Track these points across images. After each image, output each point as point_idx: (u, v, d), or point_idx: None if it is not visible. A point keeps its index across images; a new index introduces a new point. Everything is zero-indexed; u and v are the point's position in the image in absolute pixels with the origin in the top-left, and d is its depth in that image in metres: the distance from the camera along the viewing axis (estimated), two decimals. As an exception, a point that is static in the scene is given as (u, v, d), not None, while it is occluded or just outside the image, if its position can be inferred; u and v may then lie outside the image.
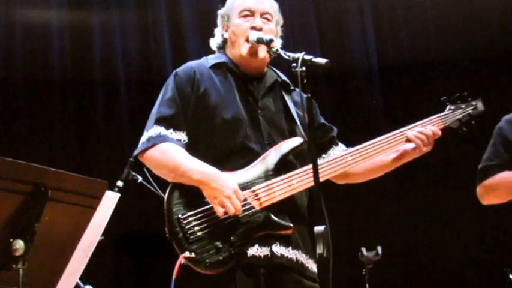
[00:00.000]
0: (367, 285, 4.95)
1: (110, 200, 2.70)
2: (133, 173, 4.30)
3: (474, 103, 3.26)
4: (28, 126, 5.86)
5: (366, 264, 4.98)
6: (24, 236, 2.32)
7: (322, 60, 2.65)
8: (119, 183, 4.28)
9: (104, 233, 2.79)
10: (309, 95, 2.60)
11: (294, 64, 2.65)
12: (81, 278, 3.32)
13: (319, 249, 2.42)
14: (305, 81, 2.61)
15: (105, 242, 3.12)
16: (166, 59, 6.18)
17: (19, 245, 2.31)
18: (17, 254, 2.31)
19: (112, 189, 4.09)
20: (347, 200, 5.91)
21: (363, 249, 5.00)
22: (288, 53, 2.79)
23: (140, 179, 4.28)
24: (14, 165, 2.30)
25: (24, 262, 2.32)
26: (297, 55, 2.67)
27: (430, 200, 5.99)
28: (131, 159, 4.28)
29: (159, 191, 4.00)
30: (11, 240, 2.31)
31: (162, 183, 3.13)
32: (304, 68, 2.61)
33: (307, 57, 2.64)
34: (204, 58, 3.19)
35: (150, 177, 3.85)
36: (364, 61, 6.39)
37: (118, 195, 2.82)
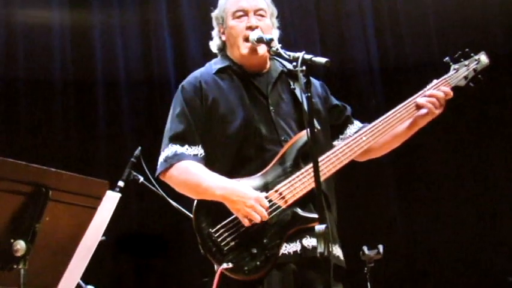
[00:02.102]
0: (368, 284, 4.94)
1: (110, 200, 2.70)
2: (135, 173, 4.30)
3: (477, 57, 3.21)
4: (29, 127, 5.86)
5: (367, 262, 4.97)
6: (25, 237, 2.32)
7: (322, 60, 2.64)
8: (120, 184, 4.28)
9: (105, 233, 2.80)
10: (309, 94, 2.60)
11: (294, 63, 2.65)
12: (82, 278, 3.33)
13: (320, 248, 2.42)
14: (305, 80, 2.61)
15: (106, 242, 3.13)
16: (167, 59, 6.18)
17: (20, 245, 2.32)
18: (18, 254, 2.31)
19: (113, 190, 4.10)
20: (348, 199, 5.90)
21: (365, 248, 4.99)
22: (288, 52, 2.79)
23: (141, 179, 4.28)
24: (14, 166, 2.30)
25: (26, 262, 2.32)
26: (297, 54, 2.67)
27: (431, 198, 5.98)
28: (132, 159, 4.29)
29: (160, 191, 4.01)
30: (12, 240, 2.31)
31: (164, 183, 3.13)
32: (304, 67, 2.62)
33: (307, 56, 2.64)
34: (208, 64, 3.18)
35: (151, 178, 3.86)
36: (365, 61, 6.38)
37: (119, 195, 2.82)
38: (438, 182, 5.94)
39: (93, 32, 6.17)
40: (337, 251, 2.98)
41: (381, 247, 4.96)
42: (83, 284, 3.79)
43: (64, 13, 6.14)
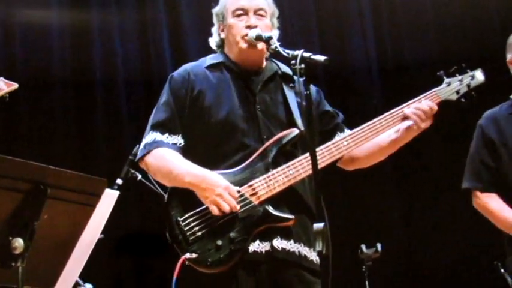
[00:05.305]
0: (366, 283, 4.94)
1: (109, 198, 2.70)
2: (133, 171, 4.32)
3: (472, 73, 3.18)
4: (28, 126, 5.86)
5: (365, 261, 4.96)
6: (23, 235, 2.32)
7: (321, 58, 2.66)
8: (119, 181, 4.29)
9: (104, 231, 2.79)
10: (307, 92, 2.61)
11: (293, 61, 2.65)
12: (80, 276, 3.33)
13: (319, 246, 2.42)
14: (304, 78, 2.62)
15: (104, 240, 3.13)
16: (165, 59, 6.17)
17: (18, 243, 2.31)
18: (17, 252, 2.31)
19: (111, 187, 4.10)
20: (346, 197, 5.91)
21: (363, 246, 4.98)
22: (287, 50, 2.79)
23: (140, 176, 4.29)
24: (13, 163, 2.30)
25: (24, 260, 2.32)
26: (296, 52, 2.68)
27: (430, 197, 5.98)
28: (131, 157, 4.29)
29: (159, 189, 4.01)
30: (10, 238, 2.31)
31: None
32: (303, 65, 2.62)
33: (306, 54, 2.65)
34: (202, 59, 3.22)
35: (149, 175, 3.86)
36: (364, 60, 6.38)
37: (117, 193, 2.82)
38: (438, 181, 5.94)
39: (92, 31, 6.16)
40: (311, 255, 2.95)
41: (379, 246, 4.95)
42: (81, 282, 3.79)
43: (63, 13, 6.14)
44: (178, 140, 2.99)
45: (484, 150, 3.77)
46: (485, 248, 5.41)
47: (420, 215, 5.99)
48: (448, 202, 5.69)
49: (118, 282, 5.77)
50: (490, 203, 3.73)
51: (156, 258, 5.33)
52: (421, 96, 3.12)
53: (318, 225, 2.44)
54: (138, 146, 4.20)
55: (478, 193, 3.76)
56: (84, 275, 3.19)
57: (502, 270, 3.94)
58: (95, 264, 2.96)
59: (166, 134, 2.99)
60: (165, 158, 2.95)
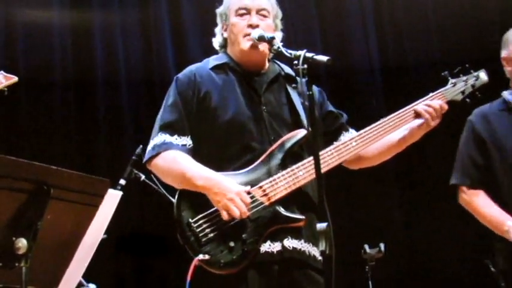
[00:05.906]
0: (369, 283, 4.93)
1: (112, 198, 2.71)
2: (136, 171, 4.32)
3: (476, 73, 3.23)
4: (30, 126, 5.86)
5: (368, 261, 4.96)
6: (26, 235, 2.33)
7: (323, 58, 2.64)
8: (122, 182, 4.29)
9: (107, 231, 2.80)
10: (310, 92, 2.61)
11: (296, 62, 2.65)
12: (83, 276, 3.33)
13: (322, 246, 2.42)
14: (306, 79, 2.61)
15: (107, 240, 3.13)
16: (167, 58, 6.17)
17: (22, 243, 2.32)
18: (20, 252, 2.32)
19: (115, 188, 4.11)
20: (350, 197, 5.91)
21: (366, 247, 4.98)
22: (289, 51, 2.79)
23: (143, 177, 4.29)
24: (16, 164, 2.30)
25: (27, 260, 2.33)
26: (298, 53, 2.67)
27: (433, 197, 5.97)
28: (134, 157, 4.29)
29: (162, 189, 4.02)
30: (14, 238, 2.32)
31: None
32: (305, 66, 2.62)
33: (309, 54, 2.63)
34: (206, 60, 3.22)
35: (153, 176, 3.87)
36: (366, 61, 6.38)
37: (120, 193, 2.83)
38: (440, 181, 5.92)
39: (94, 31, 6.16)
40: (319, 255, 2.94)
41: (382, 246, 4.95)
42: (84, 282, 3.79)
43: (64, 13, 6.14)
44: (188, 141, 2.99)
45: (474, 147, 3.75)
46: (487, 248, 5.41)
47: (423, 216, 5.98)
48: (450, 203, 5.69)
49: (121, 282, 5.77)
50: (476, 199, 3.73)
51: (159, 259, 5.34)
52: (427, 96, 3.13)
53: (321, 226, 2.43)
54: (141, 146, 4.23)
55: (465, 189, 3.78)
56: (88, 275, 3.19)
57: (492, 269, 3.93)
58: (98, 264, 2.96)
59: (176, 136, 2.98)
60: (176, 160, 2.93)
